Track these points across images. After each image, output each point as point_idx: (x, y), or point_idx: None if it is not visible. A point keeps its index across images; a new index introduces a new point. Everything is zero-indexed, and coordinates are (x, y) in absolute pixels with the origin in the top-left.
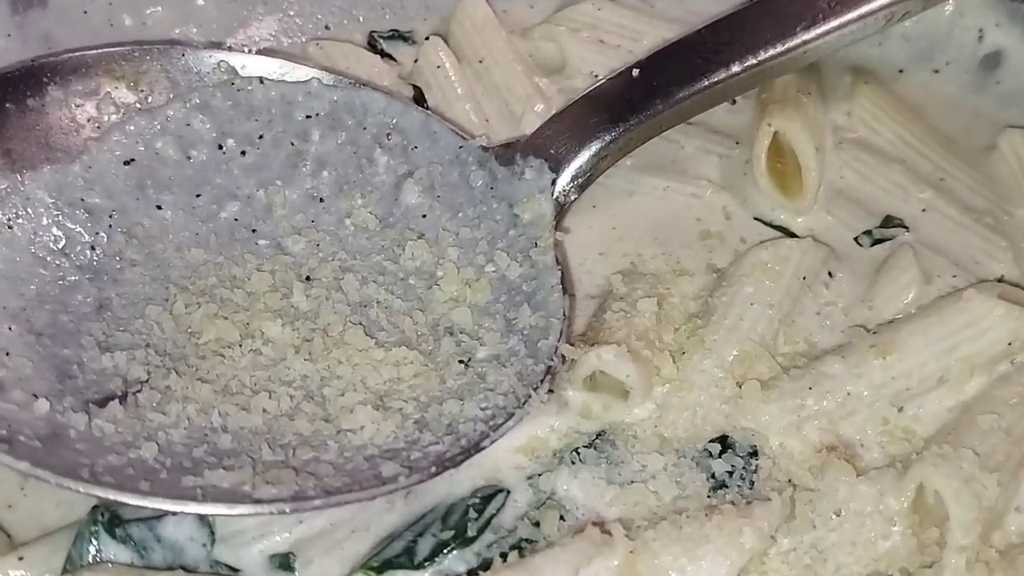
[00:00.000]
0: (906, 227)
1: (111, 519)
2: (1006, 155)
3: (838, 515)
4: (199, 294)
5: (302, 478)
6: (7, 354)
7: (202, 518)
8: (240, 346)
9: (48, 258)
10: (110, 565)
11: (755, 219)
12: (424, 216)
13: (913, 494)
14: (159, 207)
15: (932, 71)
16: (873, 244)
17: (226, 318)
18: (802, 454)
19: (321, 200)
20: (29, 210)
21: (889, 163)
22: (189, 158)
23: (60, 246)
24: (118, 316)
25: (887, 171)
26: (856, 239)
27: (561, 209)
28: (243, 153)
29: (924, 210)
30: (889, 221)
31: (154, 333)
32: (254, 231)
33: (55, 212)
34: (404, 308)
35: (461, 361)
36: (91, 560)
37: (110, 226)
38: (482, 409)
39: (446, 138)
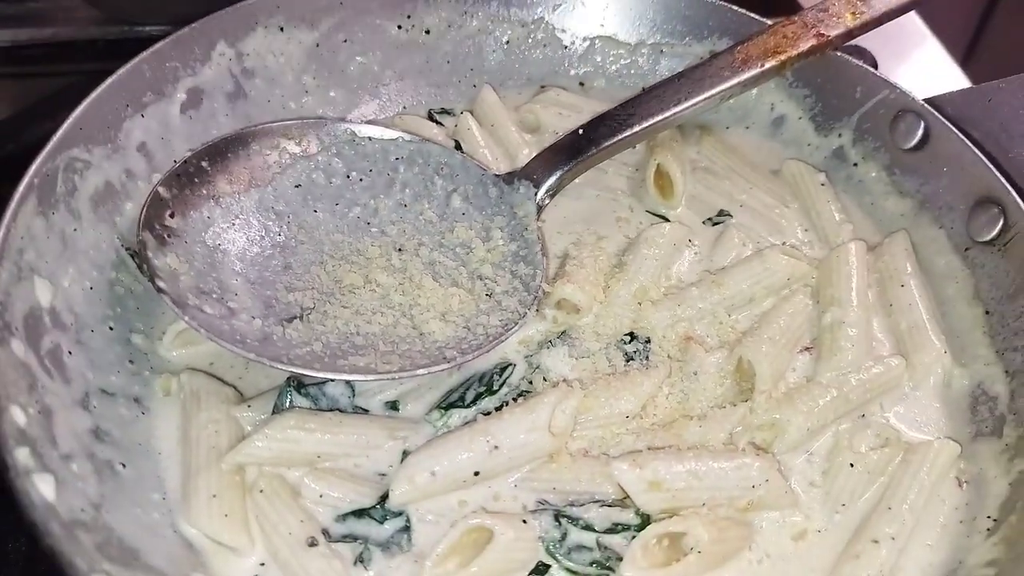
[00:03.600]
0: (731, 215)
1: (298, 384)
2: (786, 175)
3: (695, 374)
4: (340, 259)
5: (403, 359)
6: (236, 294)
7: (348, 383)
8: (363, 288)
9: (255, 241)
10: (297, 409)
11: (647, 212)
12: (464, 214)
13: (736, 362)
14: (315, 211)
15: (745, 127)
16: (714, 225)
17: (355, 272)
18: (675, 342)
19: (405, 205)
20: (243, 215)
21: (720, 179)
22: (331, 182)
23: (261, 235)
24: (296, 272)
25: (719, 184)
26: (703, 222)
27: (540, 210)
28: (361, 180)
29: (742, 205)
30: (722, 212)
31: (316, 281)
32: (368, 223)
33: (258, 215)
34: (454, 265)
35: (488, 295)
36: (287, 406)
37: (288, 222)
38: (500, 322)
39: (475, 170)
